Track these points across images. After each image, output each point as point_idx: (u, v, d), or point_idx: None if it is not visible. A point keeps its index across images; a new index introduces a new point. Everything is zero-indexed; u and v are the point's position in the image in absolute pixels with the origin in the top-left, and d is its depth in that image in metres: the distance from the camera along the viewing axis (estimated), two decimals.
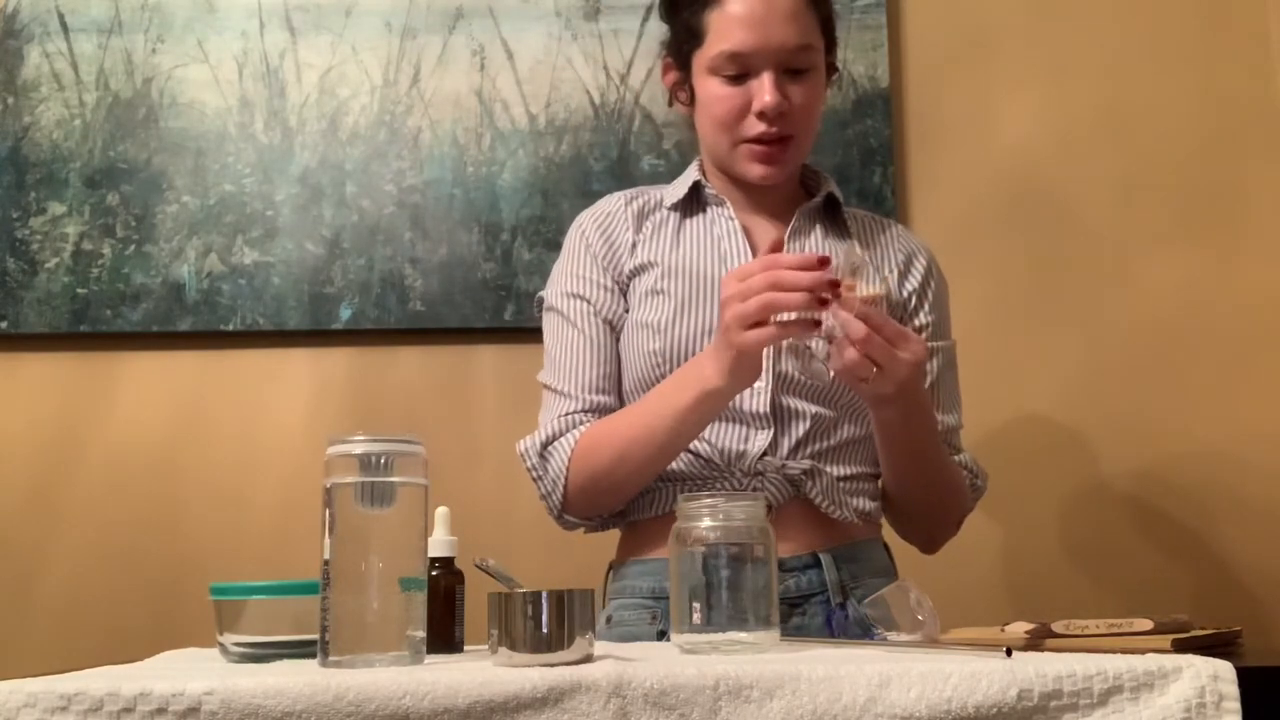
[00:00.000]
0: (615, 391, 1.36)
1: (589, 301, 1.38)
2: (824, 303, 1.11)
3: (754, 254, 1.36)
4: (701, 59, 1.35)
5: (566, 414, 1.34)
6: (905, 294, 1.41)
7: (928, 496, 1.36)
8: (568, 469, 1.30)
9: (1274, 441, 1.94)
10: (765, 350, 1.24)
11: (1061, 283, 1.99)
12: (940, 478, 1.35)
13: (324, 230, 1.95)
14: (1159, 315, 1.98)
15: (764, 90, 1.30)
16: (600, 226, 1.41)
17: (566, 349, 1.37)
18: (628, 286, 1.39)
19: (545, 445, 1.32)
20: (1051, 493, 1.93)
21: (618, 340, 1.38)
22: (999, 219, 2.00)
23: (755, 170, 1.35)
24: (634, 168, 1.97)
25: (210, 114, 1.99)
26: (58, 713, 0.75)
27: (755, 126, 1.32)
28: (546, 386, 1.38)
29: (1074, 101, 2.04)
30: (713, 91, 1.34)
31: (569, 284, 1.40)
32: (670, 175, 1.91)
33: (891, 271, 1.41)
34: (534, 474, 1.33)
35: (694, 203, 1.43)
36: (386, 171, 1.98)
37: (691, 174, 1.43)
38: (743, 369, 1.18)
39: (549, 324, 1.41)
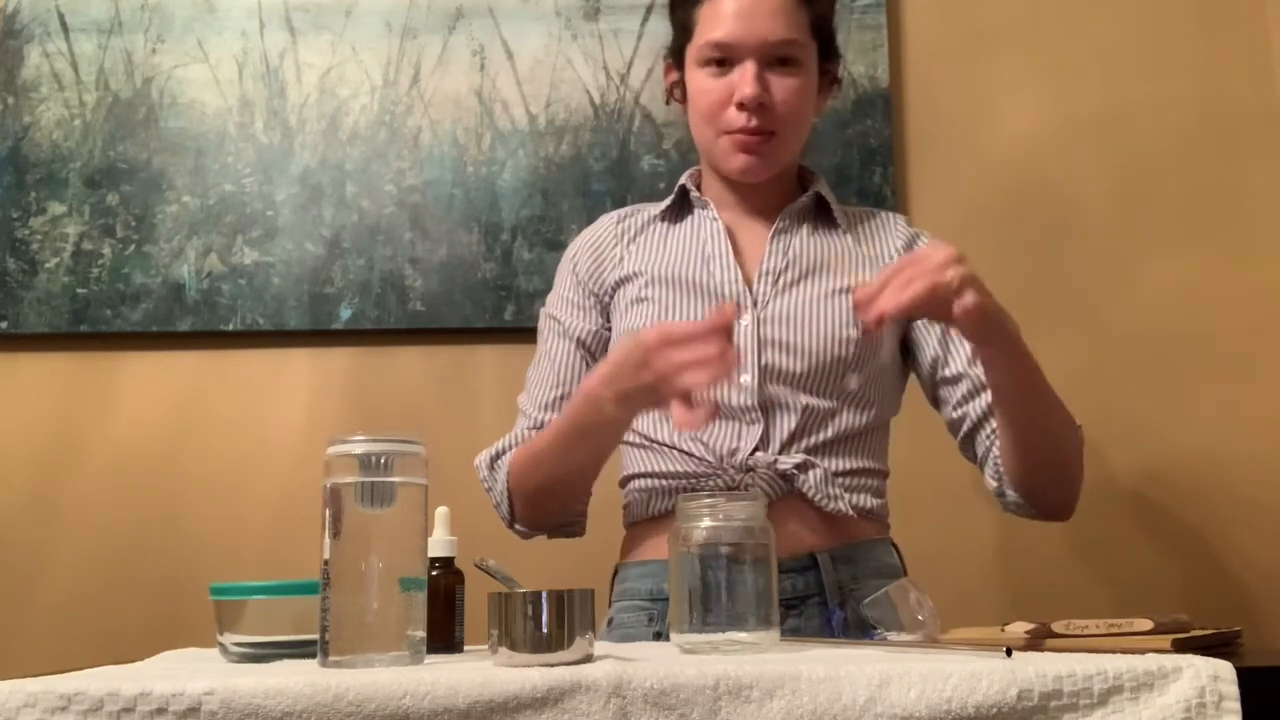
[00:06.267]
0: None
1: (560, 322, 1.43)
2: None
3: (737, 254, 1.38)
4: (691, 52, 1.38)
5: (519, 430, 1.40)
6: None
7: (1053, 439, 1.27)
8: (508, 482, 1.36)
9: (1274, 441, 1.94)
10: (749, 342, 1.30)
11: (1061, 282, 1.98)
12: (1057, 415, 1.27)
13: (324, 230, 1.95)
14: (1159, 315, 1.98)
15: (744, 81, 1.32)
16: (590, 247, 1.46)
17: (535, 368, 1.45)
18: (612, 299, 1.42)
19: (494, 459, 1.39)
20: None
21: (594, 357, 1.41)
22: (999, 219, 2.00)
23: (736, 161, 1.36)
24: (634, 168, 1.97)
25: (210, 114, 1.98)
26: (58, 713, 0.75)
27: (737, 119, 1.34)
28: (519, 405, 1.44)
29: (1074, 101, 2.04)
30: (698, 84, 1.37)
31: (551, 304, 1.46)
32: (670, 175, 1.92)
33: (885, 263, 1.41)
34: (485, 485, 1.39)
35: (681, 208, 1.45)
36: (386, 171, 1.98)
37: (680, 181, 1.46)
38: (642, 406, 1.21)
39: (537, 342, 1.48)
